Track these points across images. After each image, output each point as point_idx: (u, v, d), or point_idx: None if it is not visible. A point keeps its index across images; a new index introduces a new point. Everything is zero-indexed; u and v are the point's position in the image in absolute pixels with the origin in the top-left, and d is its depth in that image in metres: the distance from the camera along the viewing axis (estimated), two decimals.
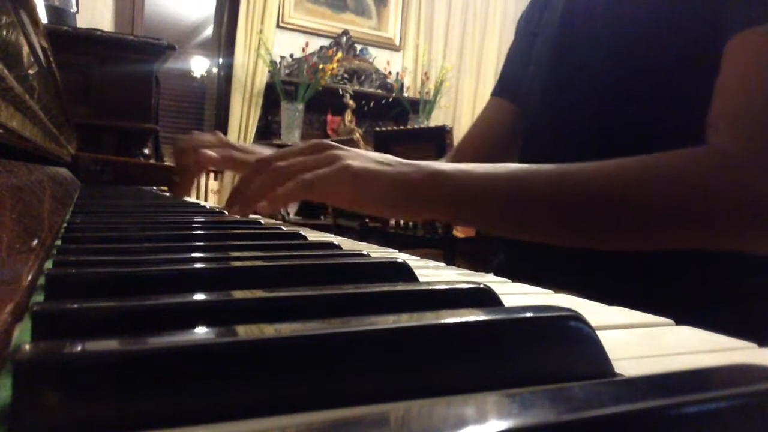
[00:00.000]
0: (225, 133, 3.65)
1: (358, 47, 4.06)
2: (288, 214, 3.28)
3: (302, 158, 0.52)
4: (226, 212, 0.66)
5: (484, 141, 0.82)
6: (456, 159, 0.82)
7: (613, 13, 0.60)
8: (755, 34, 0.48)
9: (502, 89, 0.82)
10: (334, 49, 3.91)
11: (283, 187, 0.50)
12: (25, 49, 0.47)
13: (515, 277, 0.36)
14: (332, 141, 0.54)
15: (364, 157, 0.50)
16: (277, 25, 3.80)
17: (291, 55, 3.84)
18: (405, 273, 0.30)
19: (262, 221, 0.62)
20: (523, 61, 0.76)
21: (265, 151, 0.70)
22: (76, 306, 0.19)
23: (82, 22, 2.42)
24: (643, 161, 0.48)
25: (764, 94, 0.47)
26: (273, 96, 3.69)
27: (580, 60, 0.63)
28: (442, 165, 0.50)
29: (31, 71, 0.52)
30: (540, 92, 0.68)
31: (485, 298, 0.23)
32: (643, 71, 0.57)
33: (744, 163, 0.46)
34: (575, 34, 0.64)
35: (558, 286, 0.33)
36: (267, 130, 3.75)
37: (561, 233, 0.51)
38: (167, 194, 1.22)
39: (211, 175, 3.10)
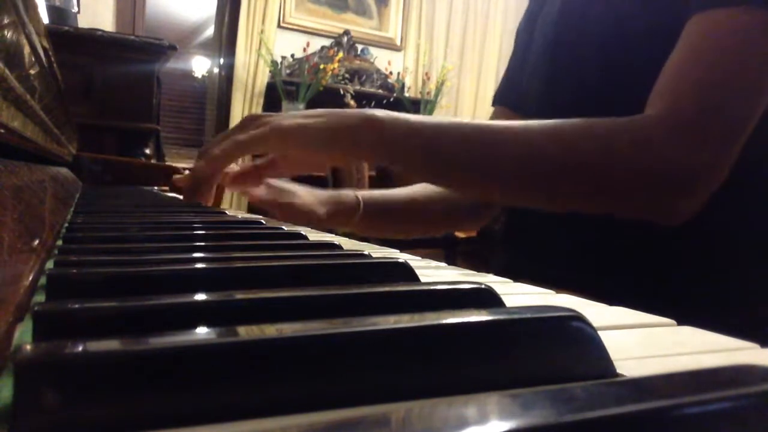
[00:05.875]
0: None
1: (359, 47, 4.06)
2: None
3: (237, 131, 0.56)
4: (226, 212, 0.68)
5: None
6: None
7: (608, 13, 0.60)
8: (702, 17, 0.49)
9: (501, 97, 0.82)
10: (335, 49, 3.91)
11: (218, 148, 0.55)
12: (27, 50, 0.47)
13: (516, 277, 0.36)
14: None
15: (297, 116, 0.53)
16: (278, 25, 3.79)
17: (292, 55, 3.84)
18: (406, 273, 0.30)
19: (263, 221, 0.62)
20: (521, 66, 0.76)
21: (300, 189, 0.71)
22: (77, 306, 0.19)
23: (83, 22, 2.43)
24: (563, 122, 0.50)
25: (697, 70, 0.48)
26: (274, 96, 3.69)
27: (575, 59, 0.63)
28: (380, 112, 0.52)
29: (32, 71, 0.52)
30: (536, 92, 0.68)
31: (486, 298, 0.23)
32: (638, 71, 0.57)
33: (658, 130, 0.48)
34: (571, 34, 0.64)
35: (559, 287, 0.33)
36: None
37: (473, 185, 0.54)
38: (168, 194, 1.22)
39: None
